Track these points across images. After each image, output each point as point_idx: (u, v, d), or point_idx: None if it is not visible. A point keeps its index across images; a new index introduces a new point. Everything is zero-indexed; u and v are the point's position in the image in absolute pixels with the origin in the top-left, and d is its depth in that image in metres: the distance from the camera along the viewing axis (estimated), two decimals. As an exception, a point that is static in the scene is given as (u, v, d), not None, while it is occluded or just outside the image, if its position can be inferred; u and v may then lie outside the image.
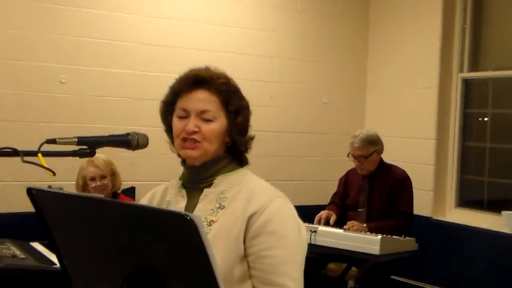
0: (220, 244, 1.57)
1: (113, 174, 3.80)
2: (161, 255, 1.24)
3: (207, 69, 1.73)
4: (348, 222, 4.03)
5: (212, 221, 1.63)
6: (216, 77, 1.69)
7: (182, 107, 1.69)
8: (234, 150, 1.75)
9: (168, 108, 1.74)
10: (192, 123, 1.65)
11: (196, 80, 1.68)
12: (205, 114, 1.66)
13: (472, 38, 5.00)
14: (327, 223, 4.12)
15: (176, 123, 1.69)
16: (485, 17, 5.01)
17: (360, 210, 4.25)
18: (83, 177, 3.77)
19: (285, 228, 1.60)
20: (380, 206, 4.20)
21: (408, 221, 4.16)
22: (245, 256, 1.59)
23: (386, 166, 4.30)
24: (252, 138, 1.78)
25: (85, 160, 3.72)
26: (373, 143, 4.20)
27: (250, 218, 1.59)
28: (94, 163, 3.72)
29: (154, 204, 1.81)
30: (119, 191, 3.90)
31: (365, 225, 3.99)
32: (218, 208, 1.65)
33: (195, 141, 1.66)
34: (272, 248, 1.57)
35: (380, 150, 4.25)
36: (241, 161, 1.77)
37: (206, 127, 1.66)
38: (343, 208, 4.46)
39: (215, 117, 1.67)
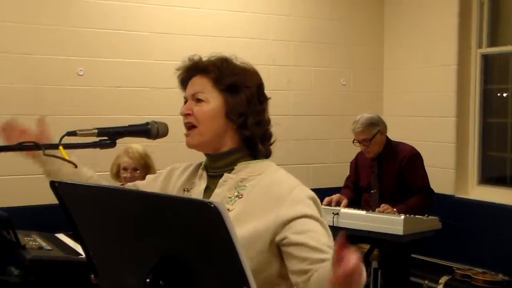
0: None
1: (147, 167, 3.73)
2: (185, 243, 1.23)
3: (197, 57, 1.76)
4: (382, 205, 4.02)
5: (228, 209, 1.60)
6: (206, 61, 1.73)
7: (184, 97, 1.76)
8: (250, 143, 1.70)
9: None
10: (185, 106, 1.70)
11: (188, 70, 1.75)
12: (197, 96, 1.69)
13: (490, 12, 4.92)
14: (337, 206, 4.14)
15: None
16: (502, -9, 4.93)
17: (373, 191, 4.27)
18: (117, 165, 3.76)
19: (313, 211, 1.59)
20: (391, 186, 4.22)
21: (430, 194, 4.19)
22: (268, 248, 1.56)
23: (393, 145, 4.30)
24: (265, 124, 1.73)
25: (122, 148, 3.73)
26: (374, 125, 4.20)
27: (274, 208, 1.57)
28: (129, 154, 3.68)
29: (172, 180, 1.84)
30: None
31: (395, 209, 3.97)
32: (236, 196, 1.64)
33: (190, 125, 1.68)
34: (305, 224, 1.55)
35: (383, 130, 4.24)
36: (258, 154, 1.72)
37: (197, 108, 1.68)
38: (357, 191, 4.47)
39: (207, 98, 1.68)
